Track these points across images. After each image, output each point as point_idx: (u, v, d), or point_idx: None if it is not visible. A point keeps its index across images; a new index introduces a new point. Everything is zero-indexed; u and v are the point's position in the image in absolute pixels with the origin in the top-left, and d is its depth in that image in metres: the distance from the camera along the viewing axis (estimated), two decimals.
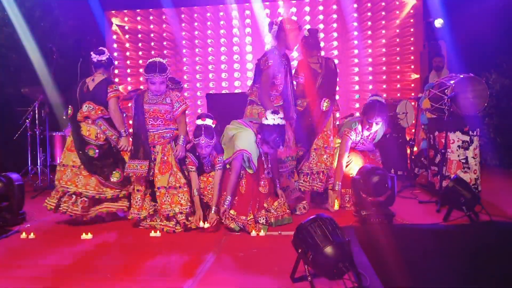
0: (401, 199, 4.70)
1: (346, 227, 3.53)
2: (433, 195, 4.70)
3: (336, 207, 4.07)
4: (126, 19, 8.95)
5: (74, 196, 4.01)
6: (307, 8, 8.55)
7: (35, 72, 6.86)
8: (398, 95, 8.26)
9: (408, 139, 6.29)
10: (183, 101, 3.97)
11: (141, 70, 4.10)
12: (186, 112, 4.09)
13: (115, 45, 8.94)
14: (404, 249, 2.99)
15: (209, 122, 3.84)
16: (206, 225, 3.63)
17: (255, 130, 3.83)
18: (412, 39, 8.31)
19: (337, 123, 4.85)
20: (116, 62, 8.78)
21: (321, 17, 8.51)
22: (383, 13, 8.36)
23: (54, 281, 2.67)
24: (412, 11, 8.29)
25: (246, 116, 4.22)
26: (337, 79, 4.74)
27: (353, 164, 4.43)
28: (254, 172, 3.82)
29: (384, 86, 8.44)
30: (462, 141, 4.55)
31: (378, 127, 4.37)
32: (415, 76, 8.30)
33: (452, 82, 4.50)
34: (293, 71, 4.49)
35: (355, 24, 8.38)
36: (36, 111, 6.03)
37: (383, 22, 8.37)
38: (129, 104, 4.06)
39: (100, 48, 4.34)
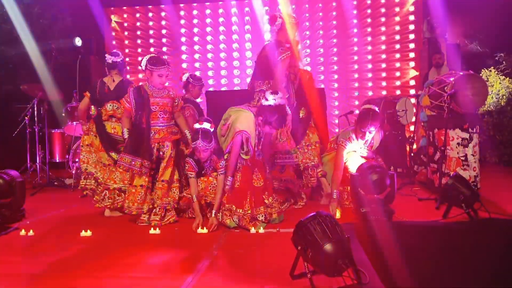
0: (400, 196, 4.69)
1: (345, 224, 3.52)
2: (433, 192, 4.71)
3: (338, 215, 4.02)
4: (125, 15, 8.93)
5: (117, 192, 4.19)
6: (307, 6, 8.53)
7: (34, 69, 6.85)
8: (398, 92, 8.25)
9: (407, 136, 6.29)
10: (179, 96, 4.13)
11: (140, 67, 4.09)
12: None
13: (114, 42, 8.93)
14: (403, 246, 2.98)
15: (207, 125, 3.82)
16: (205, 230, 3.62)
17: (254, 113, 3.84)
18: (412, 36, 8.30)
19: (336, 121, 4.86)
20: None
21: (320, 14, 8.49)
22: (383, 10, 8.35)
23: (53, 278, 2.67)
24: (413, 8, 8.27)
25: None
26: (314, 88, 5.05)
27: (352, 162, 4.43)
28: (248, 165, 3.82)
29: (384, 83, 8.43)
30: (461, 138, 4.55)
31: (371, 136, 4.35)
32: (415, 73, 8.29)
33: (451, 79, 4.49)
34: None
35: (355, 21, 8.37)
36: (35, 108, 6.02)
37: (383, 19, 8.36)
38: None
39: (115, 50, 4.63)
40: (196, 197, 3.86)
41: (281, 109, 3.70)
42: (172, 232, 3.70)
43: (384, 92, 8.30)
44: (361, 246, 3.01)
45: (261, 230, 3.57)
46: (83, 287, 2.54)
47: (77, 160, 5.94)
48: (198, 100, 5.22)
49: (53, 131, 6.67)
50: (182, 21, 8.79)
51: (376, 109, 4.31)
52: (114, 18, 8.91)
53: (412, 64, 8.34)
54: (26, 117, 6.06)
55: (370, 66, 8.45)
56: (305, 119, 4.60)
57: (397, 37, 8.33)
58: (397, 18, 8.32)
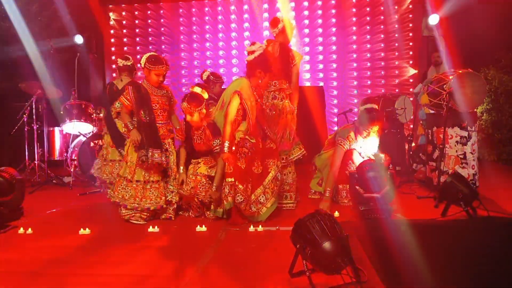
0: (399, 194, 4.69)
1: (344, 222, 3.53)
2: (431, 191, 4.71)
3: (336, 214, 3.99)
4: (123, 13, 8.91)
5: None
6: (306, 3, 8.52)
7: (32, 67, 6.82)
8: (397, 90, 8.26)
9: (406, 135, 6.29)
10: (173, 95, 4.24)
11: (139, 64, 4.09)
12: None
13: (112, 40, 8.91)
14: (402, 245, 2.99)
15: (197, 90, 3.92)
16: (204, 229, 3.61)
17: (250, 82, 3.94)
18: (410, 34, 8.30)
19: (335, 119, 4.87)
20: (114, 57, 8.86)
21: (319, 12, 8.48)
22: (382, 8, 8.34)
23: (51, 276, 2.67)
24: (411, 6, 8.27)
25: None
26: None
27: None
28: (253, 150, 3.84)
29: (383, 81, 8.43)
30: (460, 136, 4.56)
31: (374, 135, 4.36)
32: (413, 71, 8.29)
33: (450, 77, 4.49)
34: None
35: (354, 19, 8.36)
36: (34, 106, 6.00)
37: (382, 17, 8.35)
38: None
39: (126, 55, 4.93)
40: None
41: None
42: (171, 230, 3.69)
43: (383, 90, 8.30)
44: (360, 244, 3.01)
45: (260, 229, 3.57)
46: (81, 285, 2.54)
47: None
48: None
49: (51, 129, 6.66)
50: (181, 19, 8.77)
51: (377, 107, 4.32)
52: (112, 16, 8.89)
53: (411, 62, 8.34)
54: (24, 115, 6.03)
55: (369, 64, 8.45)
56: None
57: (396, 35, 8.33)
58: (396, 17, 8.31)
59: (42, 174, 6.05)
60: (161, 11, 8.83)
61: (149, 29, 8.89)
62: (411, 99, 6.53)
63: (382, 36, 8.38)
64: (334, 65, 8.53)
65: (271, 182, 3.89)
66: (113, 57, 8.93)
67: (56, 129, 6.71)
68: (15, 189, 4.06)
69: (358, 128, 4.32)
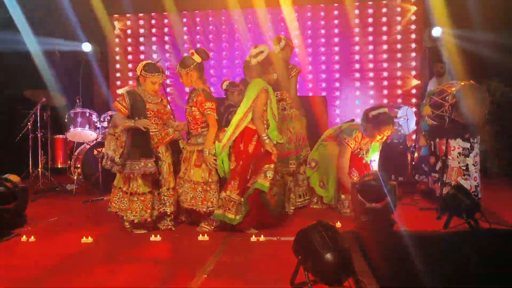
0: (401, 205, 4.69)
1: (346, 233, 3.53)
2: (434, 202, 4.70)
3: (338, 224, 3.95)
4: (128, 23, 8.98)
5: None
6: (309, 14, 8.58)
7: (38, 74, 6.88)
8: (399, 100, 8.26)
9: (409, 145, 6.29)
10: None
11: (137, 71, 4.10)
12: None
13: (117, 49, 8.97)
14: (404, 256, 2.99)
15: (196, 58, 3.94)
16: (206, 238, 3.62)
17: None
18: (413, 45, 8.33)
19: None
20: (118, 66, 8.92)
21: (322, 22, 8.53)
22: (385, 19, 8.38)
23: (53, 284, 2.67)
24: (414, 17, 8.31)
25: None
26: None
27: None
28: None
29: (386, 92, 8.44)
30: (462, 148, 4.56)
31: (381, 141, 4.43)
32: (416, 82, 8.31)
33: (453, 89, 4.51)
34: None
35: (357, 29, 8.40)
36: (38, 114, 6.04)
37: (385, 28, 8.38)
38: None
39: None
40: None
41: None
42: (172, 239, 3.70)
43: (385, 101, 8.30)
44: (362, 255, 3.01)
45: (262, 238, 3.57)
46: None
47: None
48: None
49: (55, 137, 6.69)
50: (185, 28, 8.84)
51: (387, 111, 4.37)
52: (117, 25, 8.96)
53: (413, 73, 8.35)
54: (29, 123, 6.08)
55: (371, 74, 8.46)
56: None
57: (399, 46, 8.36)
58: (399, 27, 8.35)
59: (45, 181, 6.07)
60: (165, 21, 8.90)
61: (153, 38, 8.95)
62: (414, 109, 6.53)
63: (385, 46, 8.40)
64: (337, 75, 8.55)
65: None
66: (118, 66, 8.99)
67: (60, 137, 6.74)
68: (17, 197, 4.07)
69: (372, 131, 4.34)
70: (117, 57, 8.93)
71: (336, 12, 8.49)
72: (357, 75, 8.52)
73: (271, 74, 4.10)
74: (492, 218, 3.72)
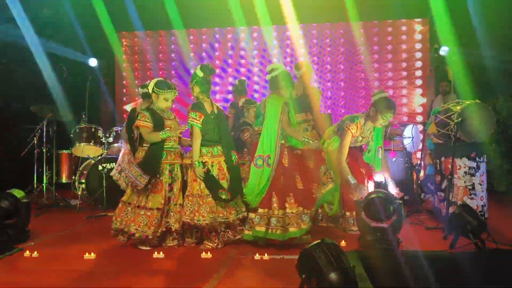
0: (407, 224, 4.64)
1: (351, 252, 3.50)
2: (440, 221, 4.65)
3: (343, 243, 3.91)
4: (135, 39, 9.10)
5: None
6: (314, 32, 8.65)
7: (45, 89, 6.95)
8: (405, 119, 8.26)
9: (414, 164, 6.26)
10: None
11: (146, 89, 4.14)
12: None
13: (124, 65, 9.06)
14: (409, 276, 2.94)
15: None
16: (209, 255, 3.59)
17: None
18: (419, 63, 8.35)
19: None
20: (124, 82, 9.00)
21: (328, 41, 8.60)
22: (390, 37, 8.43)
23: None
24: (420, 36, 8.36)
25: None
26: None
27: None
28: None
29: None
30: (468, 167, 4.53)
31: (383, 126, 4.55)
32: (422, 100, 8.31)
33: (458, 108, 4.50)
34: None
35: (362, 48, 8.45)
36: (44, 129, 6.08)
37: (390, 46, 8.43)
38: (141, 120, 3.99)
39: (144, 84, 4.89)
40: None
41: None
42: (175, 257, 3.67)
43: (391, 119, 8.30)
44: (366, 275, 2.97)
45: (266, 257, 3.53)
46: None
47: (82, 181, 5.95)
48: None
49: (60, 152, 6.71)
50: (191, 45, 8.93)
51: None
52: (125, 42, 9.08)
53: (419, 91, 8.36)
54: (34, 138, 6.11)
55: None
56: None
57: (404, 64, 8.39)
58: (404, 46, 8.39)
59: (49, 196, 6.07)
60: (172, 38, 9.00)
61: (160, 55, 9.05)
62: (420, 127, 6.52)
63: (390, 65, 8.44)
64: (342, 93, 8.58)
65: None
66: (124, 82, 9.08)
67: (65, 152, 6.77)
68: (20, 212, 4.06)
69: (375, 116, 4.35)
70: (124, 73, 9.02)
71: (341, 31, 8.57)
72: (363, 92, 8.54)
73: (284, 91, 4.16)
74: (499, 238, 3.67)
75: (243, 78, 7.79)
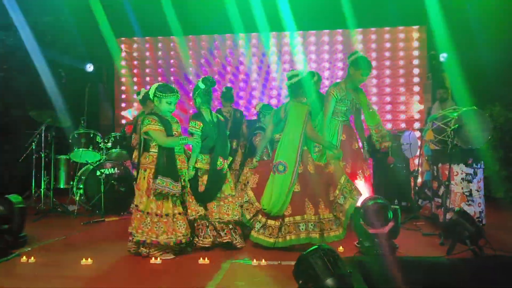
0: (404, 230, 4.64)
1: (348, 258, 3.50)
2: (437, 227, 4.65)
3: (341, 249, 3.90)
4: (135, 46, 9.13)
5: None
6: (313, 38, 8.70)
7: (44, 95, 6.96)
8: (403, 125, 8.28)
9: (412, 170, 6.27)
10: None
11: (149, 95, 4.10)
12: None
13: (123, 71, 9.09)
14: (406, 283, 2.95)
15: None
16: (207, 261, 3.60)
17: None
18: (416, 70, 8.40)
19: None
20: (123, 88, 9.03)
21: (326, 47, 8.64)
22: (388, 44, 8.48)
23: None
24: (417, 43, 8.41)
25: None
26: (243, 126, 6.45)
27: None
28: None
29: (389, 117, 8.47)
30: (465, 173, 4.54)
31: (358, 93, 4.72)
32: (420, 107, 8.34)
33: (455, 114, 4.52)
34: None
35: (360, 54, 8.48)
36: (43, 134, 6.08)
37: (388, 53, 8.47)
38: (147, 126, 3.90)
39: (139, 91, 5.17)
40: None
41: None
42: (173, 262, 3.66)
43: (389, 125, 8.33)
44: (364, 281, 2.97)
45: (263, 262, 3.53)
46: None
47: (81, 186, 5.96)
48: None
49: (59, 157, 6.71)
50: (190, 52, 8.96)
51: None
52: (124, 48, 9.10)
53: (417, 98, 8.40)
54: (33, 143, 6.11)
55: (375, 99, 8.51)
56: (235, 149, 6.26)
57: (402, 71, 8.43)
58: (402, 53, 8.44)
59: (47, 202, 6.06)
60: (171, 44, 9.03)
61: (159, 61, 9.07)
62: (417, 134, 6.54)
63: (388, 71, 8.48)
64: None
65: None
66: (123, 88, 9.09)
67: (63, 157, 6.77)
68: (14, 217, 4.04)
69: (353, 76, 4.63)
70: (123, 79, 9.04)
71: (339, 38, 8.61)
72: None
73: (303, 98, 4.24)
74: (496, 245, 3.67)
75: (229, 85, 7.95)
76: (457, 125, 4.39)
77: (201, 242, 3.97)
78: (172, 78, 8.96)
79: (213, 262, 3.60)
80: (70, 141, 6.21)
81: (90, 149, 6.12)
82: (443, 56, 7.29)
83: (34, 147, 6.12)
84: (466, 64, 6.85)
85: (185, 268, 3.50)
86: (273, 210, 3.94)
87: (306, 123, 4.06)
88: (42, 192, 6.09)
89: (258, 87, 8.80)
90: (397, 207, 3.80)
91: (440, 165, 4.77)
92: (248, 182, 4.56)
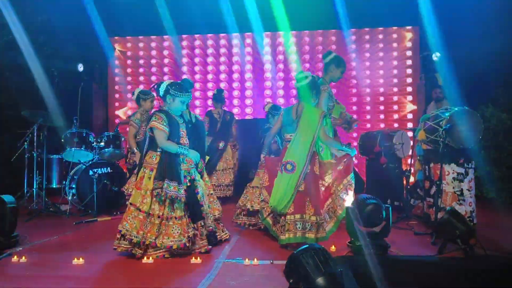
0: (396, 230, 4.67)
1: (340, 257, 3.51)
2: (429, 227, 4.68)
3: (333, 248, 3.98)
4: (128, 45, 9.10)
5: None
6: (307, 38, 8.72)
7: (36, 95, 6.93)
8: (396, 125, 8.33)
9: (404, 169, 6.29)
10: None
11: (158, 92, 4.00)
12: None
13: (117, 70, 9.06)
14: (397, 281, 2.96)
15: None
16: (199, 261, 3.60)
17: None
18: (409, 70, 8.44)
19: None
20: (117, 87, 9.00)
21: (319, 47, 8.66)
22: (381, 45, 8.52)
23: None
24: (410, 43, 8.45)
25: None
26: (233, 127, 6.87)
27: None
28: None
29: (382, 117, 8.51)
30: (457, 173, 4.57)
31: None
32: (412, 107, 8.39)
33: (447, 114, 4.55)
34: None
35: (354, 55, 8.52)
36: (35, 134, 6.05)
37: (381, 53, 8.51)
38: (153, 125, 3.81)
39: (133, 91, 5.25)
40: None
41: None
42: (165, 262, 3.66)
43: (382, 125, 8.37)
44: (355, 280, 2.98)
45: (255, 262, 3.53)
46: None
47: (73, 186, 5.94)
48: None
49: (51, 157, 6.68)
50: (184, 51, 8.95)
51: None
52: (117, 47, 9.08)
53: (409, 98, 8.44)
54: (25, 142, 6.08)
55: (368, 99, 8.55)
56: (222, 150, 6.64)
57: (395, 71, 8.47)
58: (395, 53, 8.48)
59: (39, 201, 6.03)
60: (165, 43, 9.01)
61: (152, 60, 9.05)
62: (410, 134, 6.57)
63: (381, 72, 8.52)
64: None
65: None
66: (117, 87, 9.07)
67: (56, 157, 6.74)
68: (5, 217, 4.01)
69: (333, 73, 4.83)
70: (116, 79, 9.01)
71: (333, 38, 8.64)
72: (354, 99, 8.61)
73: (313, 99, 4.29)
74: (487, 244, 3.70)
75: (221, 88, 8.00)
76: (448, 125, 4.41)
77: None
78: (166, 77, 8.94)
79: (205, 261, 3.60)
80: (62, 140, 6.18)
81: (82, 148, 6.09)
82: (436, 56, 7.33)
83: (26, 147, 6.09)
84: (459, 65, 6.88)
85: (178, 268, 3.50)
86: (279, 207, 4.02)
87: (320, 128, 4.12)
88: (35, 191, 6.05)
89: (252, 86, 8.81)
90: (389, 206, 3.82)
91: (432, 164, 4.80)
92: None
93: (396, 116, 8.48)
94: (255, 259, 3.55)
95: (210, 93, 8.90)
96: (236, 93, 8.91)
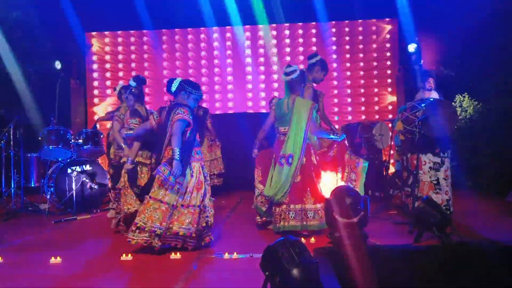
0: (376, 220, 4.73)
1: (319, 248, 3.53)
2: (407, 216, 4.75)
3: (313, 240, 4.06)
4: (107, 40, 8.97)
5: None
6: (287, 32, 8.71)
7: (12, 92, 6.81)
8: (376, 116, 8.40)
9: (383, 160, 6.37)
10: None
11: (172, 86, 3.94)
12: None
13: (95, 66, 8.93)
14: (375, 271, 2.99)
15: None
16: (178, 256, 3.58)
17: None
18: (388, 62, 8.51)
19: None
20: (96, 83, 8.87)
21: (300, 40, 8.67)
22: (361, 37, 8.57)
23: None
24: (389, 36, 8.51)
25: None
26: (208, 122, 6.87)
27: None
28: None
29: (363, 108, 8.58)
30: (433, 162, 4.64)
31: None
32: (392, 98, 8.47)
33: (423, 105, 4.61)
34: None
35: (334, 47, 8.55)
36: (11, 132, 5.94)
37: (361, 46, 8.56)
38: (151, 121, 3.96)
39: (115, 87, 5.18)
40: None
41: None
42: (144, 258, 3.64)
43: (363, 117, 8.43)
44: (334, 270, 3.00)
45: (235, 256, 3.54)
46: None
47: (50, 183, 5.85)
48: None
49: (29, 155, 6.56)
50: (164, 46, 8.87)
51: None
52: (95, 42, 8.94)
53: (389, 89, 8.52)
54: (1, 141, 5.96)
55: (349, 91, 8.60)
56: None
57: (375, 63, 8.54)
58: (374, 46, 8.54)
59: (18, 201, 5.94)
60: (144, 38, 8.92)
61: (132, 56, 8.94)
62: (389, 125, 6.64)
63: (361, 64, 8.57)
64: None
65: None
66: (96, 83, 8.94)
67: (34, 155, 6.63)
68: None
69: (317, 75, 4.81)
70: (95, 75, 8.88)
71: (313, 31, 8.65)
72: (335, 91, 8.65)
73: (300, 92, 4.39)
74: (464, 232, 3.78)
75: (204, 79, 8.00)
76: (424, 116, 4.47)
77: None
78: (146, 73, 8.84)
79: (184, 257, 3.59)
80: (40, 138, 6.08)
81: (60, 146, 5.99)
82: (413, 47, 7.42)
83: (3, 146, 5.98)
84: (435, 56, 6.97)
85: (157, 264, 3.49)
86: (277, 196, 4.20)
87: (311, 119, 4.22)
88: (13, 191, 5.96)
89: (233, 80, 8.79)
90: (367, 197, 3.85)
91: (409, 155, 4.86)
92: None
93: (376, 107, 8.55)
94: (235, 253, 3.56)
95: None
96: (217, 87, 8.87)
